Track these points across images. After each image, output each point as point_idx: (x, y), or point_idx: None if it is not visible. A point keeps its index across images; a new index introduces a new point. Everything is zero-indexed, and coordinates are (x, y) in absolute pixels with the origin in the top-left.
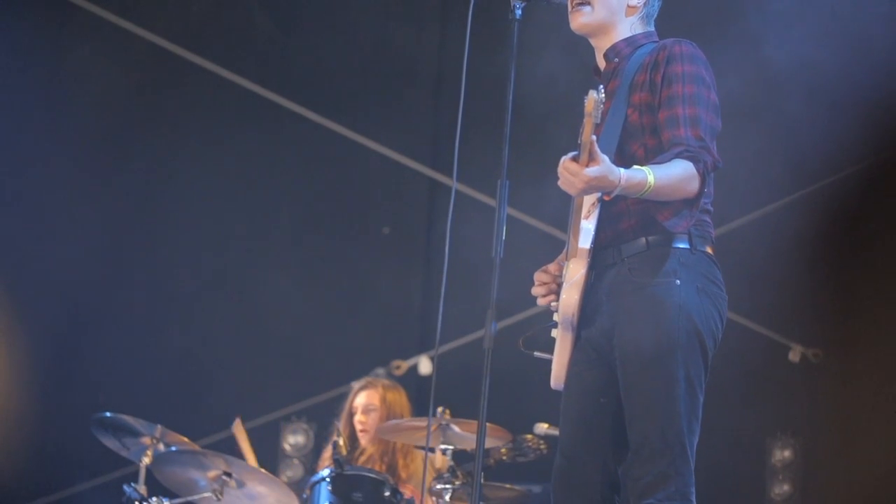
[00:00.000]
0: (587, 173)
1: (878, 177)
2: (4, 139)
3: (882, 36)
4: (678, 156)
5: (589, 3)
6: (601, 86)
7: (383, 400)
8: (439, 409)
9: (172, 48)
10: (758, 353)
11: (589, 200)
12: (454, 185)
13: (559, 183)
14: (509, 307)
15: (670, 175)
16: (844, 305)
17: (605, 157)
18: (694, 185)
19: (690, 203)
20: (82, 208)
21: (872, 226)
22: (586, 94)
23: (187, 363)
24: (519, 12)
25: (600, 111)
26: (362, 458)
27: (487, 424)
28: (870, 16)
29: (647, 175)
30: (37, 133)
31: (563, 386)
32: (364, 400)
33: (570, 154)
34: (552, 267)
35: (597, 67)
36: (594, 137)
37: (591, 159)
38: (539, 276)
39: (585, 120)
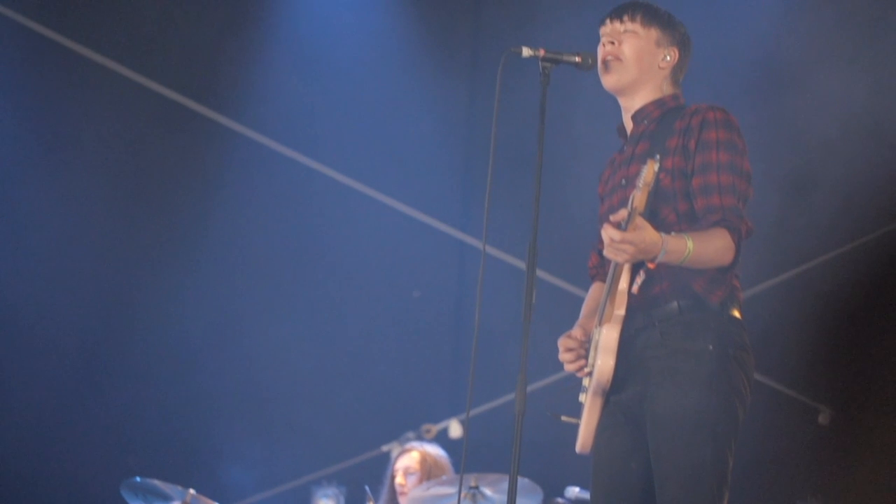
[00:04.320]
0: (635, 241)
1: None
2: (8, 195)
3: None
4: (715, 225)
5: (620, 59)
6: (658, 155)
7: (423, 462)
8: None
9: (195, 106)
10: (787, 416)
11: (627, 266)
12: (484, 248)
13: (605, 252)
14: (540, 370)
15: (708, 244)
16: (873, 369)
17: (649, 225)
18: (730, 255)
19: (725, 271)
20: (91, 265)
21: None
22: (629, 157)
23: (215, 427)
24: (548, 75)
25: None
26: None
27: (521, 479)
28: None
29: (687, 242)
30: (42, 187)
31: (588, 451)
32: (404, 462)
33: (614, 223)
34: (576, 332)
35: (622, 127)
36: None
37: (639, 227)
38: (565, 343)
39: (642, 187)
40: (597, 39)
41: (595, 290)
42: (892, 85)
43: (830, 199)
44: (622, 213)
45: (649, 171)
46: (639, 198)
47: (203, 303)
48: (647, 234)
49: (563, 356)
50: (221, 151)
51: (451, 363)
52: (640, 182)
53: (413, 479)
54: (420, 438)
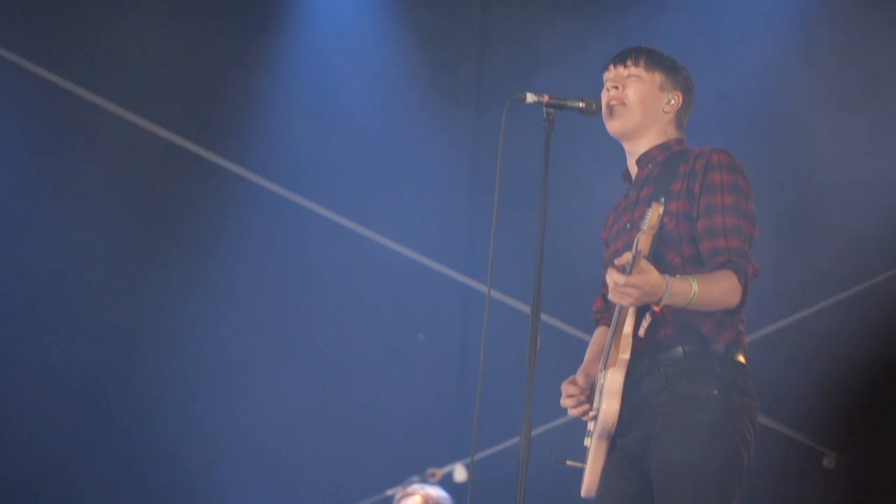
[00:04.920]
0: (640, 284)
1: None
2: (10, 236)
3: None
4: (721, 266)
5: (624, 104)
6: (662, 198)
7: None
8: None
9: (196, 149)
10: (791, 460)
11: (632, 310)
12: (489, 291)
13: (610, 296)
14: (545, 414)
15: (713, 286)
16: (878, 413)
17: (653, 268)
18: (736, 296)
19: (732, 313)
20: (94, 307)
21: None
22: (644, 204)
23: (217, 470)
24: (552, 120)
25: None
26: None
27: None
28: None
29: (692, 284)
30: (44, 229)
31: (594, 495)
32: None
33: (618, 267)
34: (580, 378)
35: (627, 172)
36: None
37: (643, 270)
38: (567, 388)
39: (646, 230)
40: (601, 82)
41: (599, 335)
42: (891, 130)
43: (833, 244)
44: (626, 257)
45: (654, 214)
46: (643, 241)
47: (205, 346)
48: (651, 277)
49: (565, 402)
50: (223, 194)
51: (456, 407)
52: (645, 225)
53: None
54: (424, 482)
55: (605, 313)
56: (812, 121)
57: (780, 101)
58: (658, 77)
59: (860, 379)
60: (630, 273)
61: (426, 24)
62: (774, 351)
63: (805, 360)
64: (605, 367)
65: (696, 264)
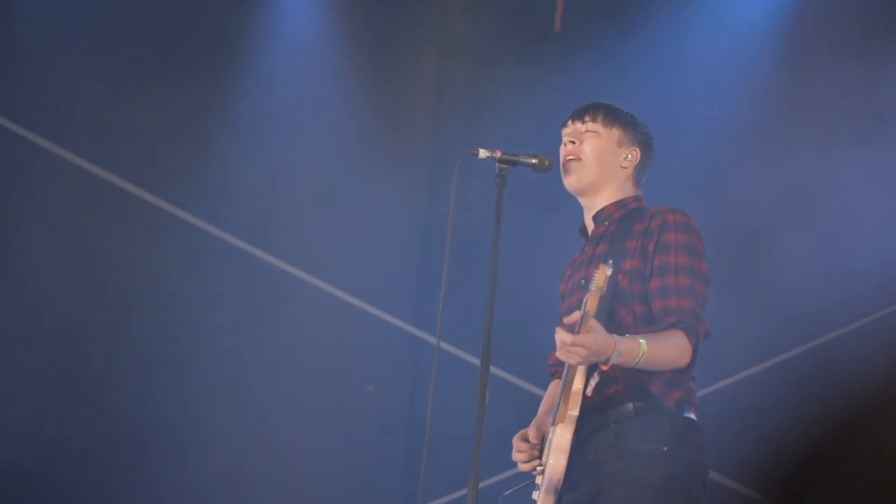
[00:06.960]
0: (587, 344)
1: (873, 337)
2: None
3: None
4: (671, 326)
5: (580, 159)
6: (611, 260)
7: None
8: None
9: (150, 198)
10: None
11: (581, 367)
12: (438, 343)
13: (558, 354)
14: (494, 466)
15: (663, 346)
16: (825, 466)
17: (601, 328)
18: (686, 357)
19: (681, 373)
20: (43, 354)
21: (864, 387)
22: (589, 263)
23: None
24: (504, 176)
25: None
26: None
27: None
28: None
29: (641, 344)
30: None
31: None
32: None
33: (568, 325)
34: (532, 434)
35: (584, 227)
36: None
37: (590, 330)
38: (518, 444)
39: (594, 291)
40: (557, 135)
41: (553, 388)
42: (842, 187)
43: (783, 301)
44: (575, 316)
45: (601, 275)
46: (591, 301)
47: (147, 393)
48: (598, 336)
49: (516, 456)
50: (170, 241)
51: (405, 458)
52: (592, 286)
53: None
54: None
55: (560, 366)
56: (762, 178)
57: (728, 159)
58: (616, 133)
59: (810, 434)
60: (578, 332)
61: (380, 78)
62: (725, 406)
63: (755, 416)
64: (554, 423)
65: (649, 323)
